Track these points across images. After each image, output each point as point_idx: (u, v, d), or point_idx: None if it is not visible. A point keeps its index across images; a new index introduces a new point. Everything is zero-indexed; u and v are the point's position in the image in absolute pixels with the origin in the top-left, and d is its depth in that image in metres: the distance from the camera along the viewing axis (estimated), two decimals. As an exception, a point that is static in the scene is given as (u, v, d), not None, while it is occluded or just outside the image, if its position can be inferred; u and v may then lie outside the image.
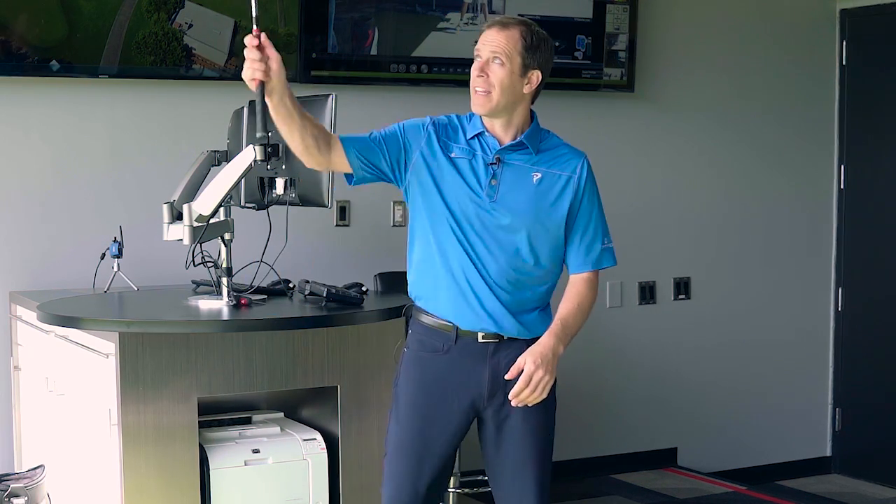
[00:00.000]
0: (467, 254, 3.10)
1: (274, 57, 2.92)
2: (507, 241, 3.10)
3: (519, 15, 5.25)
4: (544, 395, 3.06)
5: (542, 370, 3.03)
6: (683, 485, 5.62)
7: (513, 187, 3.10)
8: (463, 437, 3.22)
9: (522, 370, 3.04)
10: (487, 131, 3.12)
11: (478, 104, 3.08)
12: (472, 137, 3.13)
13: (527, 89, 3.10)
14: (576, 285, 3.17)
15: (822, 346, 6.30)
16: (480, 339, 3.13)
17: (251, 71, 2.91)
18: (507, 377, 3.07)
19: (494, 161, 3.10)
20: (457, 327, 3.13)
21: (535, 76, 3.10)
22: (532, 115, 3.17)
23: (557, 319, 3.12)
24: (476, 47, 3.10)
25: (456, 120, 3.18)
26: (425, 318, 3.19)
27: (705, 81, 5.91)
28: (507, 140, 3.13)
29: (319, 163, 3.08)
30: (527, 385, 3.03)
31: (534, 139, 3.13)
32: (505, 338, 3.13)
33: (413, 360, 3.21)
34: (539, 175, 3.12)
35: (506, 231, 3.10)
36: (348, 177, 3.14)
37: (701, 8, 5.88)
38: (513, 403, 3.07)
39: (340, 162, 3.08)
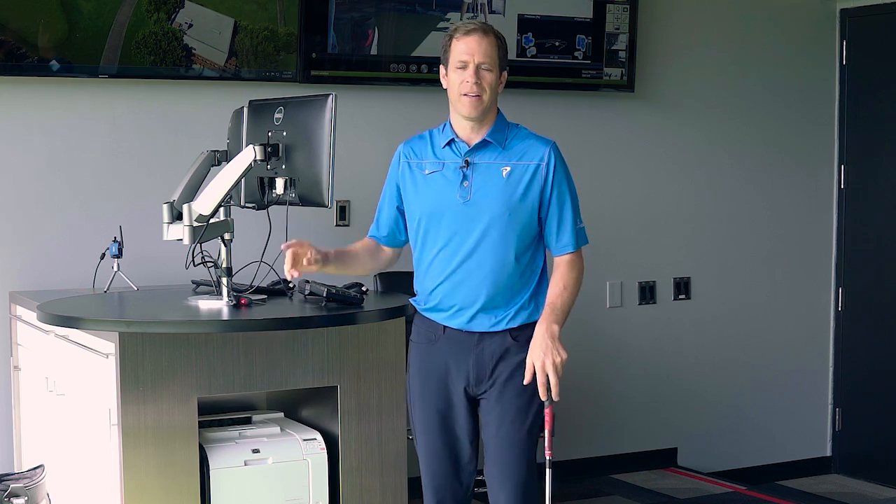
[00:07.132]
0: (450, 255, 3.27)
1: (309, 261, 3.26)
2: (484, 238, 3.24)
3: (519, 15, 5.32)
4: (560, 373, 3.18)
5: (547, 359, 3.16)
6: (683, 485, 5.62)
7: (483, 185, 3.25)
8: (476, 422, 3.34)
9: (535, 371, 3.20)
10: (458, 137, 3.28)
11: (472, 107, 3.23)
12: (444, 146, 3.30)
13: (500, 89, 3.29)
14: (559, 268, 3.33)
15: (822, 346, 6.30)
16: (465, 330, 3.28)
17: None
18: (524, 384, 3.21)
19: (464, 164, 3.26)
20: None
21: (504, 76, 3.29)
22: (497, 112, 3.32)
23: (546, 304, 3.26)
24: (459, 53, 3.23)
25: (428, 136, 3.36)
26: (420, 310, 3.39)
27: (705, 81, 5.90)
28: (475, 141, 3.27)
29: (390, 262, 3.51)
30: (544, 380, 3.17)
31: (499, 135, 3.28)
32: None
33: (414, 349, 3.42)
34: (508, 169, 3.26)
35: (481, 228, 3.24)
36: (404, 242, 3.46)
37: (701, 8, 5.88)
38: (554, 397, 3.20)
39: (395, 251, 3.48)
